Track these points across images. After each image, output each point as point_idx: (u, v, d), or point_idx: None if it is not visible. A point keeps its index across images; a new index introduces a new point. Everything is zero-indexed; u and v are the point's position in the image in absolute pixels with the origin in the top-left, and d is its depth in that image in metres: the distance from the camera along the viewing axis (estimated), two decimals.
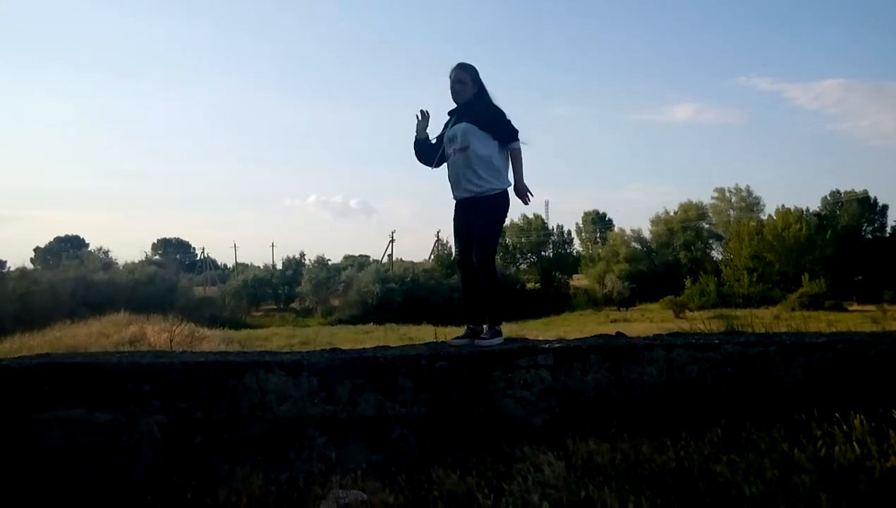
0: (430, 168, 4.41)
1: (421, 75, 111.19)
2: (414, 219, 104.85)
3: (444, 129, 4.39)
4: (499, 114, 4.19)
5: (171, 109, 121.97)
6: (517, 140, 4.17)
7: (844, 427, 3.10)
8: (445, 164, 4.35)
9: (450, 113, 4.39)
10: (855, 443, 2.92)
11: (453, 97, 4.30)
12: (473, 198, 4.17)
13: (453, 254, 4.62)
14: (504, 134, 4.16)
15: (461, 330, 4.31)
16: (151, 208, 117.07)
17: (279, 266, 57.69)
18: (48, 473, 3.68)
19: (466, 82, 4.23)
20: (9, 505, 3.64)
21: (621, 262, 52.51)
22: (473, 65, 4.29)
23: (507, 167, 4.24)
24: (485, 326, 4.19)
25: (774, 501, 2.56)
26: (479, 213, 4.16)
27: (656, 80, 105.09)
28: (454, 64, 4.27)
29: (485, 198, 4.14)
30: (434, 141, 4.42)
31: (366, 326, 33.14)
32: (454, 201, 4.35)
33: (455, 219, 4.38)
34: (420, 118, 4.43)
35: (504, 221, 4.38)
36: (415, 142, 4.46)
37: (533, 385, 3.74)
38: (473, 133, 4.14)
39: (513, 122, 4.19)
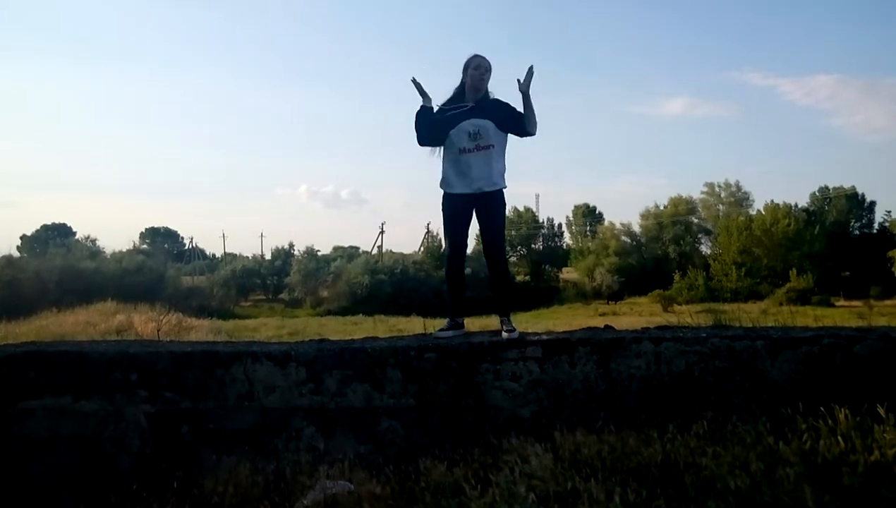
0: (426, 147, 4.28)
1: (413, 64, 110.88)
2: (405, 211, 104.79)
3: (449, 112, 4.21)
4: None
5: (160, 97, 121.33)
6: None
7: (829, 421, 3.12)
8: (443, 152, 4.24)
9: (459, 100, 4.22)
10: (839, 437, 2.94)
11: (475, 84, 4.18)
12: (488, 193, 4.18)
13: (443, 247, 4.47)
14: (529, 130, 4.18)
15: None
16: (139, 196, 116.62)
17: (268, 256, 57.58)
18: (33, 462, 3.66)
19: (490, 70, 4.21)
20: None
21: (611, 256, 52.65)
22: None
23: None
24: (503, 318, 4.10)
25: (759, 494, 2.58)
26: (497, 208, 4.24)
27: (650, 73, 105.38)
28: (474, 53, 4.20)
29: (499, 193, 4.24)
30: (438, 116, 4.22)
31: (355, 317, 33.16)
32: (453, 194, 4.21)
33: (454, 211, 4.25)
34: (418, 82, 4.22)
35: None
36: (422, 112, 4.23)
37: (521, 377, 3.74)
38: (496, 133, 4.15)
39: None
